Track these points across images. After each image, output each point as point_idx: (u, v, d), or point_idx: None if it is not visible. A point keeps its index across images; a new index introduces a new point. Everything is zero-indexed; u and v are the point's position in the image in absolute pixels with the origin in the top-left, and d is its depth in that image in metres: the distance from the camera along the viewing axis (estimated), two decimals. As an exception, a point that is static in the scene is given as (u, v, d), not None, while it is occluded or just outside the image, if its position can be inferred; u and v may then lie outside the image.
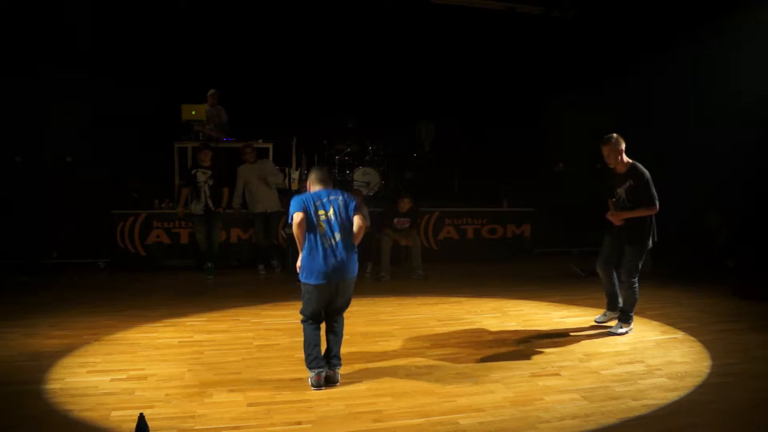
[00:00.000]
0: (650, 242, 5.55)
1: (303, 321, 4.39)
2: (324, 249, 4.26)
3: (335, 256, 4.26)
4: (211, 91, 9.66)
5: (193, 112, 9.73)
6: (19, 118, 8.39)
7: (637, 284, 5.60)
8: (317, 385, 4.25)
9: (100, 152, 8.90)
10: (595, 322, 5.98)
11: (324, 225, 4.31)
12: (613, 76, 9.89)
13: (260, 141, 9.56)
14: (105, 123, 9.14)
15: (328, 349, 4.44)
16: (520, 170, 10.60)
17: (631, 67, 9.74)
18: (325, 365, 4.33)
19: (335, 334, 4.46)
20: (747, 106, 8.57)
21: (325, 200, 4.37)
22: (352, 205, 4.44)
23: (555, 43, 10.92)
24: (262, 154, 9.36)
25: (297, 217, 4.26)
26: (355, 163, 11.02)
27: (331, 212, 4.34)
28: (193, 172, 8.24)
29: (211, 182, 8.14)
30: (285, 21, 10.43)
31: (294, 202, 4.38)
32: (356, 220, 4.38)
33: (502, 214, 9.94)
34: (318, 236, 4.28)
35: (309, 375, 4.31)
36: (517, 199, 10.13)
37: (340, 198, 4.43)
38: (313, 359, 4.31)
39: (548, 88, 10.80)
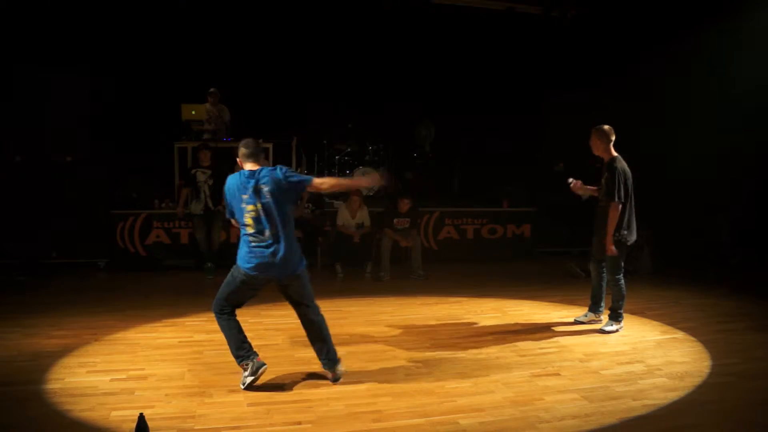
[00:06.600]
0: (625, 238, 5.56)
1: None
2: (251, 249, 4.04)
3: (271, 255, 4.01)
4: (212, 90, 9.64)
5: (193, 112, 9.74)
6: (19, 118, 8.38)
7: (622, 281, 5.67)
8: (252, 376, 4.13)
9: (100, 152, 8.90)
10: (575, 321, 6.01)
11: (252, 222, 4.02)
12: (613, 76, 9.89)
13: (260, 141, 9.53)
14: (105, 123, 9.13)
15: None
16: (520, 170, 10.61)
17: (631, 67, 9.74)
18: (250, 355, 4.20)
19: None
20: (747, 106, 8.57)
21: (250, 191, 4.00)
22: (293, 178, 4.05)
23: (555, 43, 10.92)
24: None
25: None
26: (355, 163, 11.02)
27: (259, 205, 3.99)
28: (193, 171, 8.25)
29: (210, 182, 8.13)
30: (285, 21, 10.43)
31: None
32: (315, 181, 4.12)
33: (502, 214, 9.94)
34: (246, 234, 4.07)
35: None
36: (517, 199, 10.13)
37: (272, 178, 4.02)
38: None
39: (548, 88, 10.81)
